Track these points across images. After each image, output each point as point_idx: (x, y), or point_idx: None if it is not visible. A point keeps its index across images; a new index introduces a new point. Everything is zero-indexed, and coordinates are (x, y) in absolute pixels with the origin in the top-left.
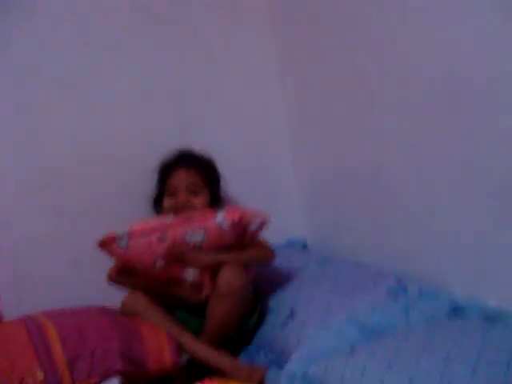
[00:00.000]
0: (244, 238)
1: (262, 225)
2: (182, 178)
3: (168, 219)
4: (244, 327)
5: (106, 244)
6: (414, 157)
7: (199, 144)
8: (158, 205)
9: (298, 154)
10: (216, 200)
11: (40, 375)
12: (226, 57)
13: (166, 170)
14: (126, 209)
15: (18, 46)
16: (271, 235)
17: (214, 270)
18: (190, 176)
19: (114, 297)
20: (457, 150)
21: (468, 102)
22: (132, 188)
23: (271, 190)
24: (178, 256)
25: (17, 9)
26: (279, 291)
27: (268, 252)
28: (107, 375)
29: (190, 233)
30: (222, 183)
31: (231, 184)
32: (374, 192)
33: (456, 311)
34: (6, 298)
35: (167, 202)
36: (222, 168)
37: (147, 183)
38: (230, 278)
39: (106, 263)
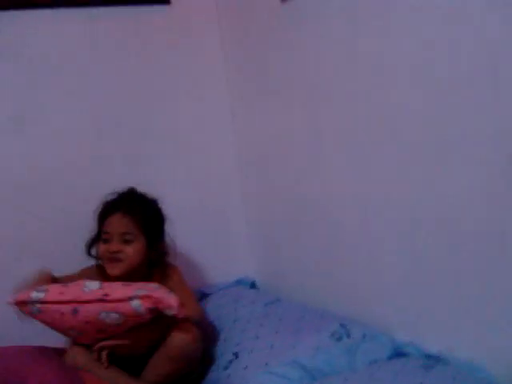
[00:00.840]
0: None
1: (180, 310)
2: (115, 226)
3: (86, 289)
4: (188, 378)
5: (19, 304)
6: (361, 201)
7: (148, 182)
8: (92, 249)
9: (248, 194)
10: (154, 246)
11: None
12: (178, 94)
13: (102, 215)
14: (66, 246)
15: None
16: (220, 273)
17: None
18: (123, 224)
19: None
20: (404, 201)
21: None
22: (74, 226)
23: (221, 229)
24: None
25: None
26: (224, 333)
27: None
28: None
29: (103, 313)
30: (166, 225)
31: (179, 223)
32: (321, 234)
33: (398, 355)
34: None
35: (101, 248)
36: (170, 207)
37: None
38: (182, 342)
39: None
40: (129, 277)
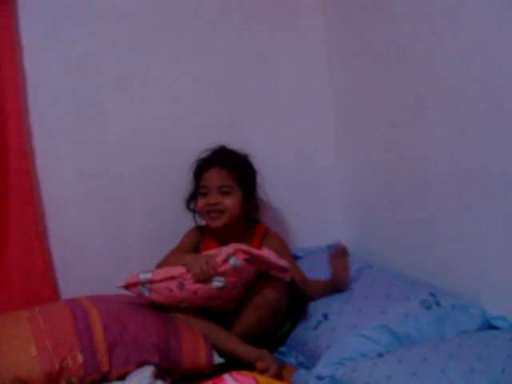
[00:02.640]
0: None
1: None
2: (213, 179)
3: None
4: (276, 335)
5: (129, 287)
6: (459, 173)
7: (246, 141)
8: (190, 203)
9: (343, 160)
10: (250, 199)
11: (80, 358)
12: (280, 59)
13: (200, 170)
14: (168, 201)
15: (77, 43)
16: (313, 238)
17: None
18: (221, 177)
19: None
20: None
21: None
22: (177, 180)
23: (315, 192)
24: None
25: (76, 8)
26: None
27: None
28: (142, 365)
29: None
30: (259, 180)
31: (275, 184)
32: (416, 203)
33: (488, 327)
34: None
35: (199, 202)
36: (267, 167)
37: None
38: (267, 291)
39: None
40: (228, 229)
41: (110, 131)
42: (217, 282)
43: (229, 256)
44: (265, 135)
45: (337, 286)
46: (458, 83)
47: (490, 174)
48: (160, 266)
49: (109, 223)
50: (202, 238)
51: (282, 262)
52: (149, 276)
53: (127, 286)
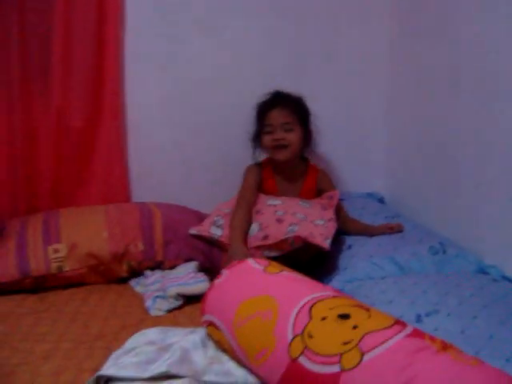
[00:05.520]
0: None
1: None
2: (277, 117)
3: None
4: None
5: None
6: (478, 145)
7: (304, 90)
8: (256, 141)
9: (390, 121)
10: (307, 136)
11: (141, 246)
12: (345, 24)
13: (264, 110)
14: (236, 132)
15: None
16: (356, 185)
17: None
18: (284, 115)
19: None
20: None
21: None
22: (243, 116)
23: (362, 145)
24: None
25: None
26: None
27: None
28: (189, 260)
29: (266, 251)
30: (314, 123)
31: (327, 133)
32: (444, 167)
33: (481, 271)
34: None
35: (265, 139)
36: (321, 118)
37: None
38: None
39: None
40: (286, 165)
41: (192, 67)
42: (273, 253)
43: (289, 239)
44: (323, 89)
45: (373, 234)
46: (491, 69)
47: (502, 148)
48: (232, 216)
49: (180, 146)
50: (261, 173)
51: (327, 244)
52: (219, 233)
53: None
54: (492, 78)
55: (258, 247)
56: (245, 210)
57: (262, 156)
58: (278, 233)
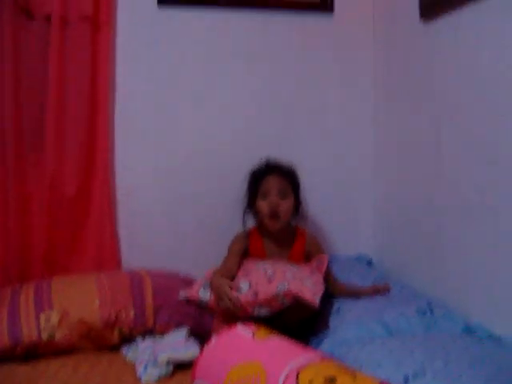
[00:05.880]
0: None
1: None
2: (274, 183)
3: (240, 291)
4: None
5: (189, 300)
6: (465, 207)
7: (293, 155)
8: (249, 207)
9: (378, 182)
10: (298, 205)
11: (132, 313)
12: (329, 85)
13: (260, 176)
14: (225, 200)
15: (163, 60)
16: (344, 247)
17: None
18: (280, 181)
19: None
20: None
21: None
22: (232, 184)
23: (350, 207)
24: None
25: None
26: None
27: None
28: (180, 326)
29: (256, 308)
30: (302, 191)
31: (314, 194)
32: (431, 228)
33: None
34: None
35: (260, 204)
36: (309, 178)
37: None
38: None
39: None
40: (282, 230)
41: (182, 137)
42: (263, 310)
43: (280, 296)
44: (310, 152)
45: (361, 296)
46: (470, 137)
47: (487, 208)
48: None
49: (170, 213)
50: (248, 240)
51: (316, 300)
52: (207, 297)
53: (187, 301)
54: (475, 142)
55: (249, 304)
56: (224, 274)
57: (252, 223)
58: (268, 290)
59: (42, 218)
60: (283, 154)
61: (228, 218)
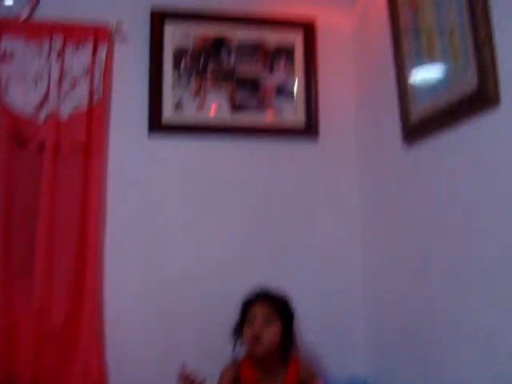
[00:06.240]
0: None
1: None
2: (258, 308)
3: None
4: None
5: None
6: (454, 327)
7: (284, 283)
8: (237, 332)
9: (368, 307)
10: (288, 333)
11: None
12: (317, 215)
13: (247, 304)
14: (213, 328)
15: (155, 190)
16: (338, 369)
17: None
18: (265, 309)
19: None
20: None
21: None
22: (222, 311)
23: (341, 332)
24: None
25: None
26: None
27: None
28: None
29: None
30: (295, 321)
31: (306, 321)
32: (423, 347)
33: None
34: None
35: (246, 330)
36: (300, 305)
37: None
38: None
39: (194, 367)
40: (266, 359)
41: (170, 264)
42: None
43: None
44: (301, 279)
45: None
46: (457, 254)
47: (476, 329)
48: None
49: (158, 340)
50: (239, 369)
51: None
52: None
53: None
54: (463, 260)
55: None
56: None
57: (242, 351)
58: None
59: (29, 346)
60: (271, 278)
61: (218, 345)
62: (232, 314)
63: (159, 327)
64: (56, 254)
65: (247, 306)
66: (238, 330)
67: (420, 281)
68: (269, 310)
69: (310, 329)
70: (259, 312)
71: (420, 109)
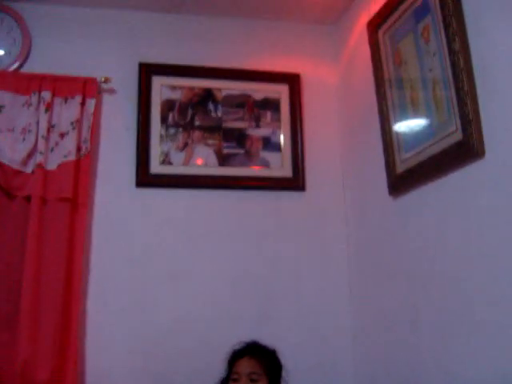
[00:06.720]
0: None
1: None
2: (244, 366)
3: None
4: None
5: None
6: (444, 377)
7: (272, 337)
8: None
9: (358, 359)
10: None
11: None
12: (304, 266)
13: (233, 358)
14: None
15: (139, 240)
16: None
17: None
18: (251, 365)
19: None
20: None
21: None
22: (208, 366)
23: None
24: None
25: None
26: None
27: None
28: None
29: None
30: (284, 373)
31: (296, 374)
32: None
33: None
34: None
35: None
36: (289, 360)
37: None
38: None
39: None
40: None
41: (156, 317)
42: None
43: None
44: (288, 331)
45: None
46: (446, 304)
47: (466, 381)
48: None
49: None
50: None
51: None
52: None
53: None
54: (452, 313)
55: None
56: None
57: None
58: None
59: None
60: (259, 330)
61: None
62: (219, 369)
63: (145, 382)
64: (41, 307)
65: (233, 362)
66: None
67: (409, 332)
68: (255, 365)
69: (298, 383)
70: (245, 368)
71: (405, 159)
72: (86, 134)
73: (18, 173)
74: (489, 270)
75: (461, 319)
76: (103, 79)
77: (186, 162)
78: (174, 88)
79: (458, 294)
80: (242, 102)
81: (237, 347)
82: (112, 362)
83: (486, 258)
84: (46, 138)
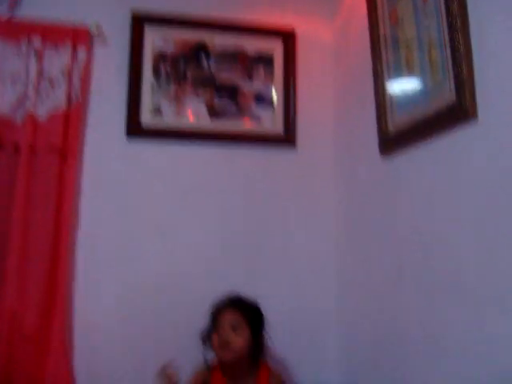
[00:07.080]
0: None
1: None
2: (226, 318)
3: None
4: None
5: None
6: (426, 335)
7: (257, 290)
8: (206, 339)
9: (341, 315)
10: (257, 340)
11: None
12: (292, 220)
13: (216, 311)
14: (188, 335)
15: (129, 192)
16: (308, 378)
17: None
18: (233, 316)
19: None
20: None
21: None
22: (196, 317)
23: (312, 337)
24: None
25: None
26: None
27: None
28: None
29: None
30: (266, 327)
31: (278, 327)
32: (393, 356)
33: None
34: None
35: (214, 338)
36: (273, 312)
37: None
38: None
39: None
40: (235, 365)
41: (145, 268)
42: None
43: None
44: (274, 288)
45: None
46: (432, 264)
47: (451, 342)
48: None
49: (132, 349)
50: (209, 375)
51: None
52: None
53: None
54: (437, 273)
55: None
56: None
57: (213, 358)
58: None
59: (1, 351)
60: (244, 284)
61: (193, 351)
62: (205, 321)
63: (132, 332)
64: (29, 256)
65: (216, 314)
66: (207, 336)
67: (394, 292)
68: (237, 317)
69: (281, 337)
70: (227, 319)
71: (398, 120)
72: (76, 83)
73: (8, 123)
74: (477, 233)
75: (446, 279)
76: (95, 27)
77: (177, 115)
78: (166, 40)
79: (444, 254)
80: (234, 57)
81: (220, 300)
82: (100, 312)
83: (475, 220)
84: (36, 86)
